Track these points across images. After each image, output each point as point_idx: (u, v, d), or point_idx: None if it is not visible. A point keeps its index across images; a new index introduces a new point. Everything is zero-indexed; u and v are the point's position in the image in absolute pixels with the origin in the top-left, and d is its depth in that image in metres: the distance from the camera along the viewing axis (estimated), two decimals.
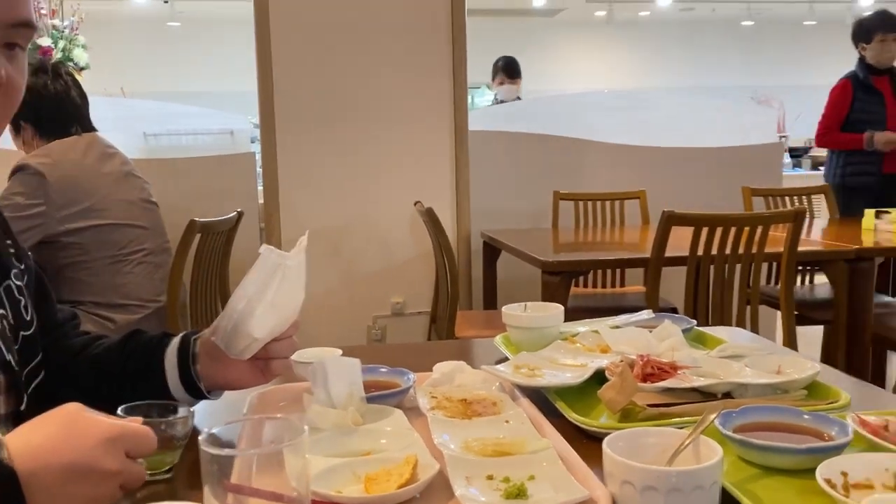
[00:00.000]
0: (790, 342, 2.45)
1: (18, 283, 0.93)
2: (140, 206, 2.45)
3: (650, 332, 1.21)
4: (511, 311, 1.24)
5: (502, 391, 1.00)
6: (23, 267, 0.96)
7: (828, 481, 0.68)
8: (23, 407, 0.88)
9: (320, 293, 3.25)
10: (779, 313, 2.71)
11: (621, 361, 1.04)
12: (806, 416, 0.83)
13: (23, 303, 0.93)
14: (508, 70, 5.14)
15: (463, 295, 3.34)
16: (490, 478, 0.75)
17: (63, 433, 0.68)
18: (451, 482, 0.74)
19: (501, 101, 5.03)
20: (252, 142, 4.06)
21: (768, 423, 0.84)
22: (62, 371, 0.97)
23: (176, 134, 3.93)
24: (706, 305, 2.39)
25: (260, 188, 3.49)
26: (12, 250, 0.94)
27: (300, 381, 1.07)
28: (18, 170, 2.21)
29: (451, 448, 0.81)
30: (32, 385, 0.92)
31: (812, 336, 3.23)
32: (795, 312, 2.55)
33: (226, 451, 0.56)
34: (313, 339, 1.17)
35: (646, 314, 1.32)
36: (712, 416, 0.76)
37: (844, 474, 0.70)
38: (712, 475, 0.68)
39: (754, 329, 2.45)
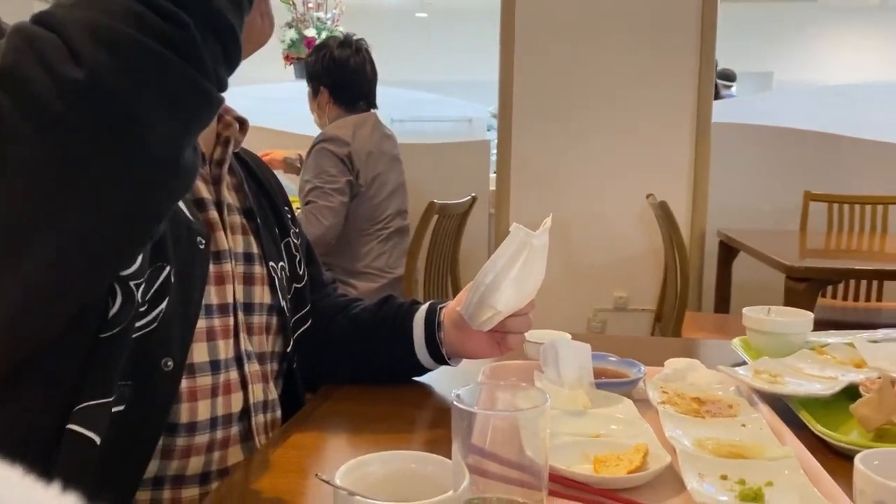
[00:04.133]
0: None
1: (296, 241, 1.05)
2: (399, 190, 2.69)
3: None
4: (753, 314, 1.18)
5: (739, 395, 0.96)
6: (297, 230, 1.08)
7: None
8: (289, 349, 1.00)
9: (543, 280, 3.29)
10: None
11: (879, 378, 0.96)
12: None
13: (297, 258, 1.05)
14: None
15: (693, 295, 3.21)
16: (724, 478, 0.73)
17: None
18: (682, 476, 0.73)
19: None
20: (488, 129, 4.21)
21: None
22: (326, 325, 1.09)
23: (419, 120, 4.18)
24: None
25: (493, 175, 3.60)
26: (289, 215, 1.07)
27: (531, 359, 1.10)
28: (327, 140, 2.50)
29: (683, 443, 0.80)
30: (299, 331, 1.04)
31: None
32: None
33: (476, 409, 0.61)
34: (533, 325, 1.20)
35: None
36: None
37: None
38: None
39: None
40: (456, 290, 2.80)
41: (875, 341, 1.14)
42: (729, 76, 5.19)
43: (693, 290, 3.22)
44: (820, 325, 1.20)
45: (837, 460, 0.80)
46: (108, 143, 0.57)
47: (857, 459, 0.68)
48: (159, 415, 0.80)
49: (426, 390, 1.06)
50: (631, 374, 1.03)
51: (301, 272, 1.06)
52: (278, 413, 0.98)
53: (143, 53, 0.57)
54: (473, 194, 2.92)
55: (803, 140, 3.42)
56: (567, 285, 3.35)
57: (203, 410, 0.84)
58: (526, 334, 1.07)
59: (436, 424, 0.93)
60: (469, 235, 3.07)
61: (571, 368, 0.97)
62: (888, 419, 0.82)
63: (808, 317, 1.17)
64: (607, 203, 3.32)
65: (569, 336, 1.15)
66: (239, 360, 0.89)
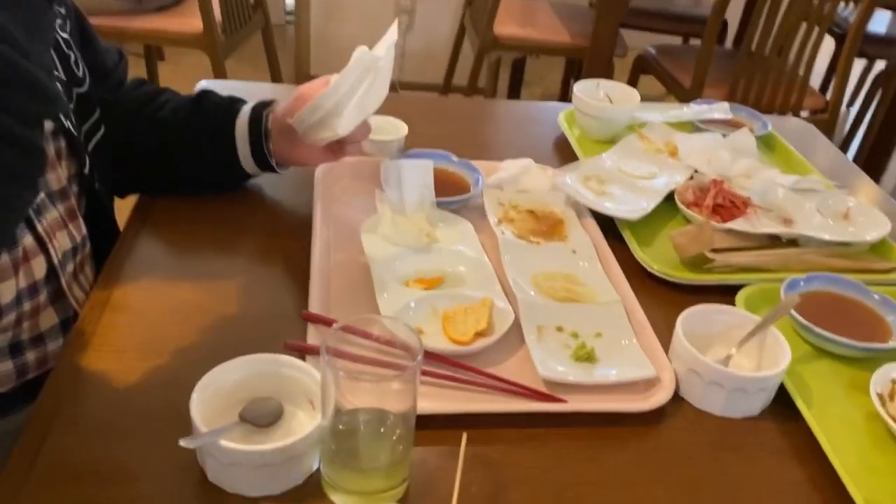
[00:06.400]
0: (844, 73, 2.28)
1: (64, 35, 0.85)
2: None
3: (724, 136, 1.17)
4: (583, 95, 1.17)
5: (569, 205, 0.99)
6: (63, 12, 0.86)
7: (879, 396, 0.72)
8: (86, 169, 0.87)
9: None
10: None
11: (691, 179, 1.03)
12: (875, 297, 0.85)
13: (72, 58, 0.86)
14: None
15: None
16: (560, 329, 0.79)
17: None
18: (523, 329, 0.78)
19: None
20: None
21: (834, 296, 0.86)
22: (126, 129, 0.94)
23: None
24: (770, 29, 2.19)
25: None
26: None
27: (367, 155, 1.04)
28: None
29: (522, 289, 0.83)
30: (92, 144, 0.90)
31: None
32: None
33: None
34: None
35: (722, 112, 1.25)
36: (784, 312, 0.78)
37: (894, 382, 0.74)
38: (777, 379, 0.72)
39: (813, 56, 2.26)
40: None
41: (693, 128, 1.20)
42: None
43: None
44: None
45: (654, 284, 0.89)
46: None
47: (678, 323, 0.75)
48: None
49: (255, 196, 0.99)
50: (469, 179, 1.01)
51: (81, 73, 0.87)
52: (88, 249, 0.88)
53: None
54: None
55: None
56: None
57: (7, 292, 0.73)
58: None
59: (273, 233, 0.90)
60: None
61: (413, 189, 0.94)
62: (701, 251, 0.89)
63: (634, 101, 1.19)
64: None
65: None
66: (27, 220, 0.76)
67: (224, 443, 0.57)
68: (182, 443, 0.57)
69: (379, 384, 0.58)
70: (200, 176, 0.96)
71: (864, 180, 1.20)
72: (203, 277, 0.84)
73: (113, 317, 0.77)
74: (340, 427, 0.59)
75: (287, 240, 0.91)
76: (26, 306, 0.77)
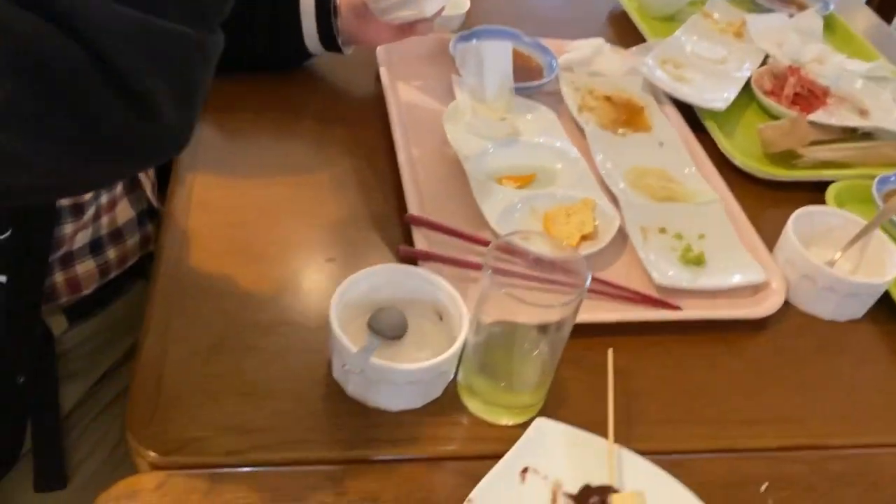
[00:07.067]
0: None
1: None
2: None
3: (790, 16, 1.12)
4: None
5: (646, 91, 0.95)
6: None
7: None
8: None
9: None
10: None
11: (765, 65, 0.99)
12: None
13: None
14: None
15: None
16: (662, 231, 0.77)
17: None
18: (630, 236, 0.76)
19: None
20: None
21: None
22: None
23: None
24: None
25: None
26: None
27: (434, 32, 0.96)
28: None
29: (619, 187, 0.80)
30: None
31: None
32: None
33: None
34: None
35: None
36: (890, 214, 0.77)
37: None
38: (885, 286, 0.73)
39: None
40: None
41: (756, 5, 1.14)
42: None
43: None
44: None
45: (734, 176, 0.87)
46: None
47: (789, 227, 0.74)
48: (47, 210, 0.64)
49: (311, 77, 0.91)
50: (541, 61, 0.95)
51: None
52: None
53: None
54: None
55: None
56: None
57: None
58: None
59: (338, 119, 0.86)
60: None
61: (494, 75, 0.87)
62: (792, 147, 0.87)
63: None
64: None
65: None
66: None
67: (375, 360, 0.55)
68: (346, 366, 0.55)
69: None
70: (258, 53, 0.87)
71: None
72: (280, 171, 0.79)
73: (199, 217, 0.72)
74: (485, 341, 0.58)
75: (355, 127, 0.86)
76: (104, 199, 0.71)
